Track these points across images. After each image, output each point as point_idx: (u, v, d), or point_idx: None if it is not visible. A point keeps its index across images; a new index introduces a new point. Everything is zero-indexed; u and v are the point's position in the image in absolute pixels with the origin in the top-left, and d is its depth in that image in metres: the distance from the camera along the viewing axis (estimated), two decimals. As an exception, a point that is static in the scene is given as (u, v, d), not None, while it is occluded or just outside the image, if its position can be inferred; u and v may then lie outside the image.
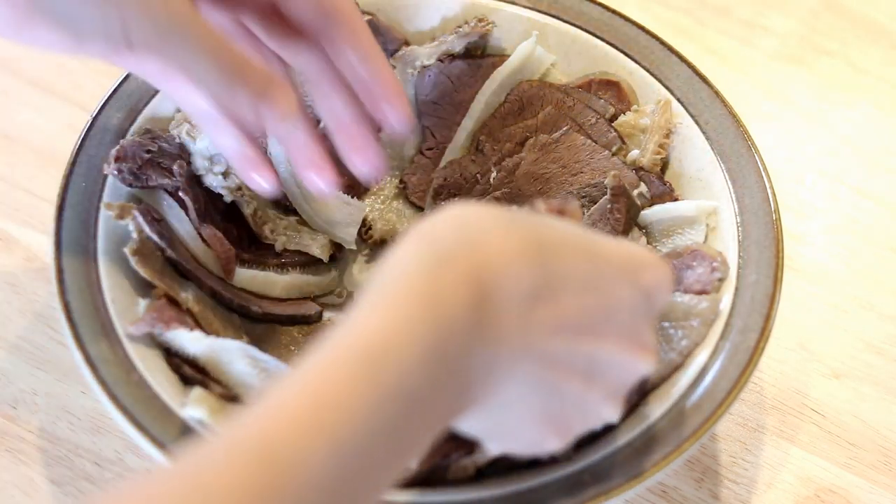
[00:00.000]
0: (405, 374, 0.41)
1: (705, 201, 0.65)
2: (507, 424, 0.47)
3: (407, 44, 0.72)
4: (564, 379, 0.46)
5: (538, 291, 0.44)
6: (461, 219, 0.45)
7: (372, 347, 0.41)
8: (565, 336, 0.45)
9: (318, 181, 0.58)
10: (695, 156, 0.67)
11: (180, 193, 0.63)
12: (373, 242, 0.70)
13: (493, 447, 0.49)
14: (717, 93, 0.68)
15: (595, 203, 0.65)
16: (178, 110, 0.66)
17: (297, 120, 0.55)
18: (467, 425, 0.47)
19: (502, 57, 0.72)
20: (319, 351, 0.41)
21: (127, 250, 0.60)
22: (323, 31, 0.57)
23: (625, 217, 0.64)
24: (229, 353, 0.58)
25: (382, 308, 0.42)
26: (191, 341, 0.58)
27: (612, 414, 0.48)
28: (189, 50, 0.51)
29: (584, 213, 0.66)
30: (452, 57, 0.72)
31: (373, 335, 0.41)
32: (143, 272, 0.60)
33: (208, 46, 0.51)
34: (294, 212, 0.68)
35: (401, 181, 0.72)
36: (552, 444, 0.48)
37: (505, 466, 0.55)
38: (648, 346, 0.48)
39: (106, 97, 0.66)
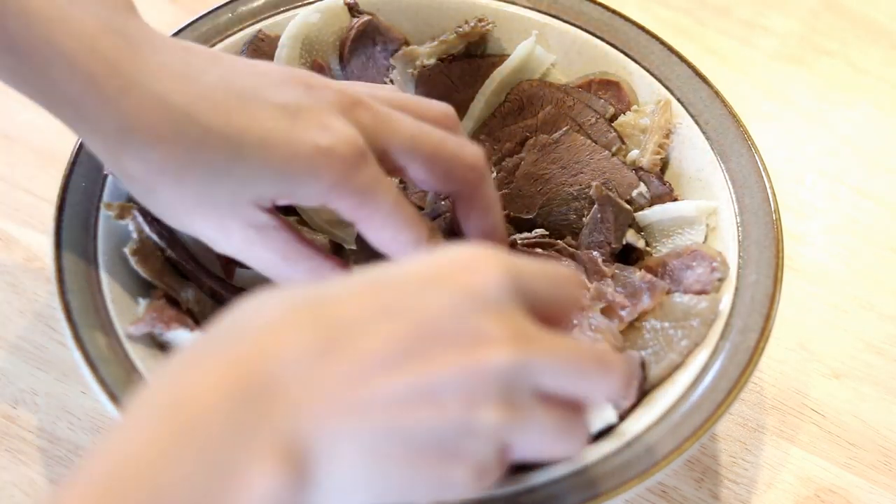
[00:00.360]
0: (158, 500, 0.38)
1: (705, 201, 0.65)
2: (396, 484, 0.43)
3: (407, 44, 0.72)
4: (407, 416, 0.42)
5: (323, 347, 0.42)
6: (222, 321, 0.44)
7: (114, 483, 0.38)
8: (380, 376, 0.42)
9: None
10: (695, 156, 0.67)
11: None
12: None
13: None
14: (717, 93, 0.68)
15: (594, 204, 0.65)
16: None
17: None
18: None
19: (502, 57, 0.72)
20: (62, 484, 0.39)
21: (127, 250, 0.60)
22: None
23: (614, 224, 0.65)
24: (229, 353, 0.58)
25: (126, 435, 0.40)
26: (191, 341, 0.58)
27: (497, 417, 0.43)
28: (268, 267, 0.56)
29: (582, 216, 0.66)
30: (452, 57, 0.72)
31: (115, 467, 0.39)
32: (143, 272, 0.60)
33: (286, 259, 0.56)
34: (294, 212, 0.68)
35: (400, 181, 0.72)
36: (460, 475, 0.44)
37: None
38: (492, 339, 0.43)
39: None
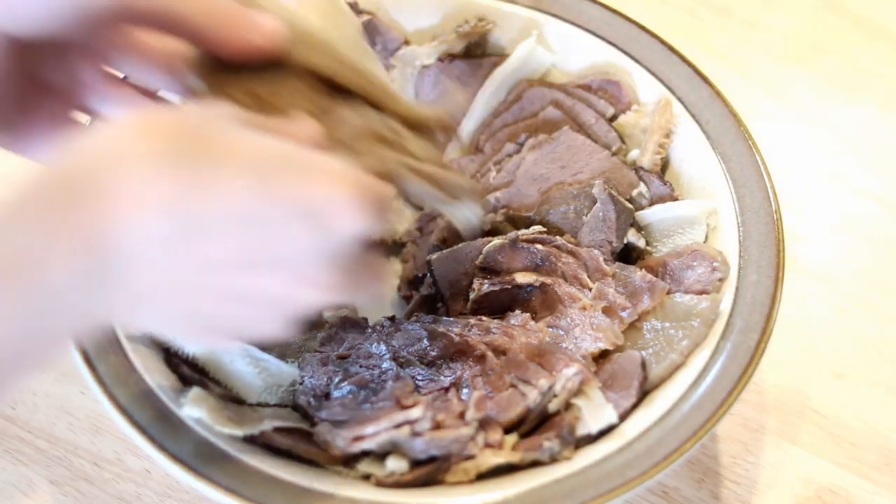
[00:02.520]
0: None
1: (706, 201, 0.65)
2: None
3: (407, 43, 0.72)
4: (212, 304, 0.46)
5: (180, 236, 0.44)
6: (110, 150, 0.44)
7: None
8: (215, 272, 0.45)
9: None
10: (695, 155, 0.67)
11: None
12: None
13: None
14: (717, 92, 0.67)
15: (595, 203, 0.65)
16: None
17: None
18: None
19: (502, 57, 0.72)
20: None
21: (126, 250, 0.60)
22: None
23: (616, 223, 0.64)
24: (229, 352, 0.58)
25: None
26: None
27: (271, 329, 0.48)
28: None
29: (582, 215, 0.66)
30: (452, 57, 0.72)
31: None
32: (143, 272, 0.60)
33: None
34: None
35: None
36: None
37: (505, 469, 0.55)
38: (319, 283, 0.47)
39: (105, 97, 0.66)
